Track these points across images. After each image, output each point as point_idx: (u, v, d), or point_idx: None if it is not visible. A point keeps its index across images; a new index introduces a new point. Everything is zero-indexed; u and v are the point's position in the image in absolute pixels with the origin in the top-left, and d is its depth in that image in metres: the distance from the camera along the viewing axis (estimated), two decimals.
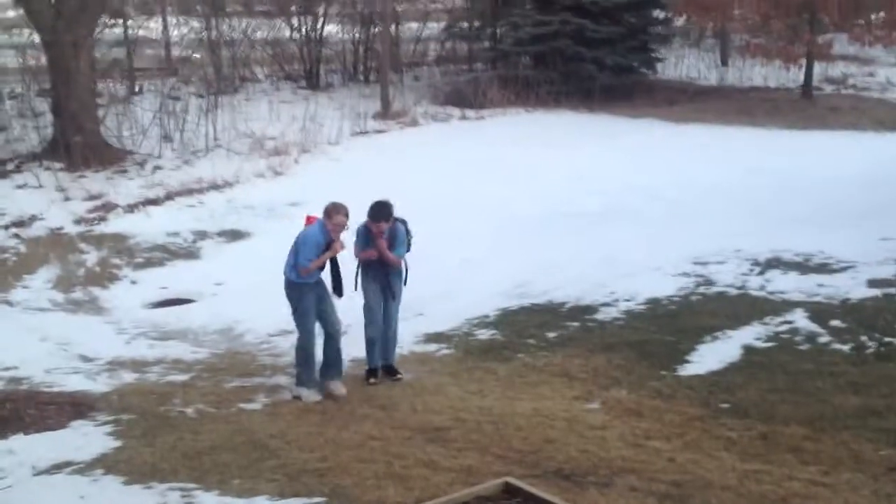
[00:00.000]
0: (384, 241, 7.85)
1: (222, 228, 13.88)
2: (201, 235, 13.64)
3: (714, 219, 12.65)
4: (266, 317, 10.28)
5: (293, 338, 9.67)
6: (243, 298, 11.27)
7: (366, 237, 7.91)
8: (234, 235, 13.74)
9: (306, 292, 7.67)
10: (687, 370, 7.80)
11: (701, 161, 16.18)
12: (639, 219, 13.06)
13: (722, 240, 11.03)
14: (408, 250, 8.14)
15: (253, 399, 7.69)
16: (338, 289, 7.84)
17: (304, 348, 7.77)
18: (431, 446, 6.45)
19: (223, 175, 15.58)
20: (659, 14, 25.04)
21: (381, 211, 7.84)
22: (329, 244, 7.60)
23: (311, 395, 7.65)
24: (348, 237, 7.89)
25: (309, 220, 7.82)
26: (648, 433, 6.61)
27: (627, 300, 9.63)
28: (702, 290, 9.58)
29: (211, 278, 12.21)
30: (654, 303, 9.45)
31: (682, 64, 26.59)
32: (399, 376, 8.08)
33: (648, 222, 12.84)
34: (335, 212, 7.62)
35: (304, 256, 7.52)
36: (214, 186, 15.27)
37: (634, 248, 11.51)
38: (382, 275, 8.00)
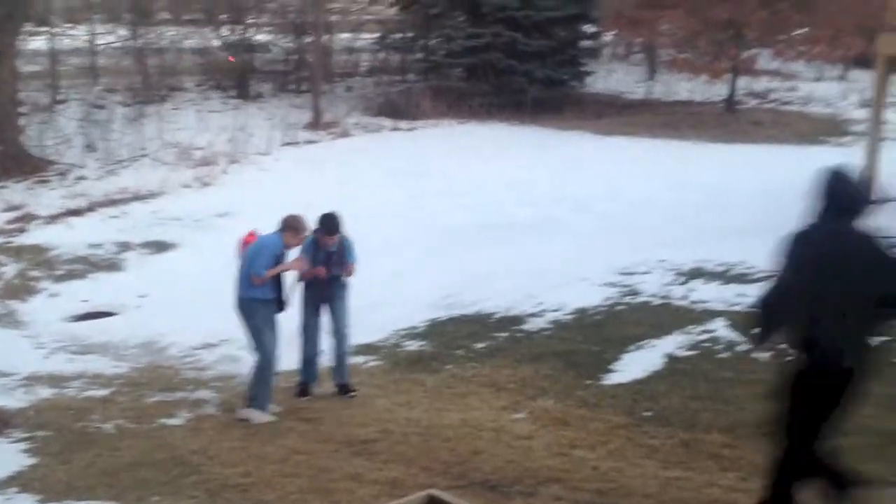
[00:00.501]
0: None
1: (147, 240, 13.63)
2: (125, 247, 13.37)
3: (640, 230, 12.85)
4: (190, 330, 10.12)
5: (220, 351, 9.57)
6: (167, 311, 11.07)
7: (315, 252, 7.58)
8: (159, 247, 13.50)
9: (260, 308, 7.22)
10: (612, 379, 7.88)
11: (628, 173, 16.44)
12: (567, 230, 13.20)
13: (647, 250, 11.19)
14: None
15: (175, 414, 7.53)
16: (281, 304, 7.45)
17: (264, 368, 7.28)
18: (357, 459, 6.40)
19: (148, 185, 15.33)
20: (588, 28, 25.42)
21: (334, 223, 7.59)
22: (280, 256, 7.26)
23: (262, 417, 7.26)
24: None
25: (250, 236, 7.47)
26: (574, 442, 6.65)
27: (555, 311, 9.69)
28: (627, 300, 9.70)
29: (134, 291, 11.97)
30: (580, 313, 9.53)
31: (611, 77, 27.05)
32: (353, 393, 7.80)
33: (577, 233, 12.99)
34: (302, 226, 7.31)
35: (260, 264, 7.09)
36: (139, 197, 15.01)
37: (563, 259, 11.62)
38: (322, 292, 7.71)
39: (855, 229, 4.65)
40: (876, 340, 4.73)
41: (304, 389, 7.88)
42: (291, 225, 7.30)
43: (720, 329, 8.45)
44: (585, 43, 25.45)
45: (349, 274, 7.80)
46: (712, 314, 8.84)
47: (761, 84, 25.92)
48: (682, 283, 9.86)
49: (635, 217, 13.63)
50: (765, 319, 4.84)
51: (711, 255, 10.63)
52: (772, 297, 4.81)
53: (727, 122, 21.85)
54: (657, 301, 9.51)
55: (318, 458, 6.43)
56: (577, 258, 11.59)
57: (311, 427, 7.18)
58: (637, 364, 8.02)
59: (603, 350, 8.47)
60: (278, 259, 7.23)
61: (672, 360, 8.02)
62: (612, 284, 10.13)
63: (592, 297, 9.86)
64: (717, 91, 24.23)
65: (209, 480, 6.00)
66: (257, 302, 7.20)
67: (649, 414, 7.04)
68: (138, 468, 6.23)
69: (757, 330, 4.89)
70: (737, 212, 13.39)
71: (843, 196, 4.73)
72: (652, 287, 9.89)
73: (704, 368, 7.75)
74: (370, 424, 7.15)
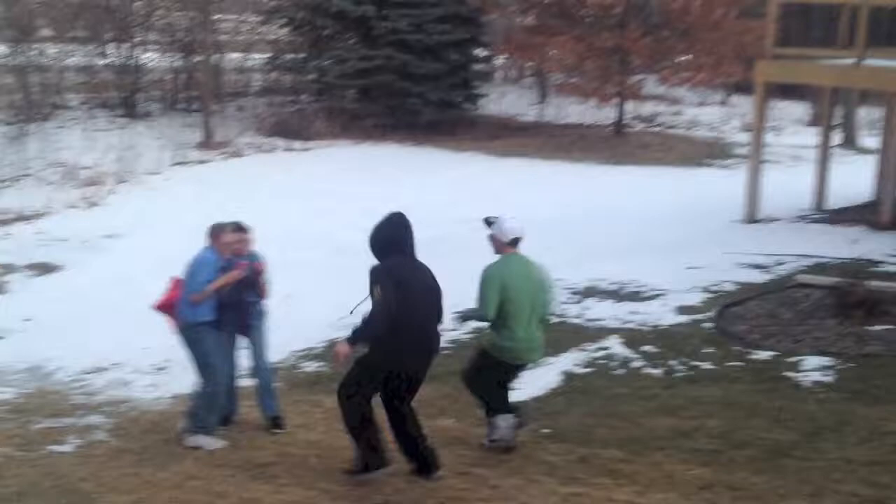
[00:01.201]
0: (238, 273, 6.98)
1: (31, 261, 13.13)
2: (8, 269, 12.85)
3: (533, 250, 12.92)
4: (79, 353, 9.78)
5: (110, 375, 9.28)
6: (54, 334, 10.67)
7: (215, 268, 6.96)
8: (45, 269, 13.02)
9: (206, 332, 6.87)
10: (511, 397, 7.96)
11: (521, 194, 16.71)
12: (462, 250, 13.22)
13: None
14: None
15: (63, 440, 7.25)
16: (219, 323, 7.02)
17: (213, 395, 6.94)
18: (254, 483, 6.29)
19: (33, 206, 14.82)
20: (480, 52, 25.78)
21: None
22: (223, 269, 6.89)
23: (213, 443, 6.96)
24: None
25: (174, 285, 7.04)
26: (474, 461, 6.69)
27: (453, 330, 9.75)
28: None
29: (19, 314, 11.50)
30: (479, 332, 9.60)
31: (504, 100, 27.46)
32: (282, 430, 7.33)
33: (472, 254, 13.01)
34: (220, 230, 6.96)
35: (199, 282, 6.74)
36: (22, 217, 14.49)
37: (459, 278, 11.65)
38: (237, 317, 7.18)
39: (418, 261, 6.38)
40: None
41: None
42: (213, 233, 6.98)
43: (614, 346, 8.67)
44: (478, 66, 25.80)
45: (263, 296, 7.43)
46: (607, 331, 9.07)
47: (648, 108, 26.78)
48: (577, 302, 10.07)
49: (529, 236, 13.70)
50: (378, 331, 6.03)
51: (603, 273, 10.91)
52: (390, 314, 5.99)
53: (616, 144, 22.47)
54: (554, 319, 9.63)
55: (215, 483, 6.29)
56: (472, 278, 11.67)
57: (206, 452, 7.01)
58: (536, 382, 8.14)
59: None
60: (221, 271, 6.89)
61: (569, 377, 8.18)
62: None
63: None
64: (606, 115, 24.88)
65: None
66: (203, 325, 6.85)
67: (548, 431, 7.15)
68: (26, 499, 5.99)
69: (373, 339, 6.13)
70: (626, 231, 13.78)
71: (407, 237, 6.35)
72: None
73: (600, 385, 7.93)
74: (268, 447, 7.04)
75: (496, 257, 6.69)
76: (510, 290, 6.45)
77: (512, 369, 6.67)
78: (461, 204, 15.95)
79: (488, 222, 6.66)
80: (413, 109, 22.51)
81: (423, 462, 6.26)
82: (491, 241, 6.65)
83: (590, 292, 10.32)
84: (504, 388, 6.76)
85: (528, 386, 8.09)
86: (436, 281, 6.33)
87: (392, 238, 6.30)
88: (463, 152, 21.04)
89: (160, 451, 7.00)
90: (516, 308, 6.46)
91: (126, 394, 8.43)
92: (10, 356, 10.22)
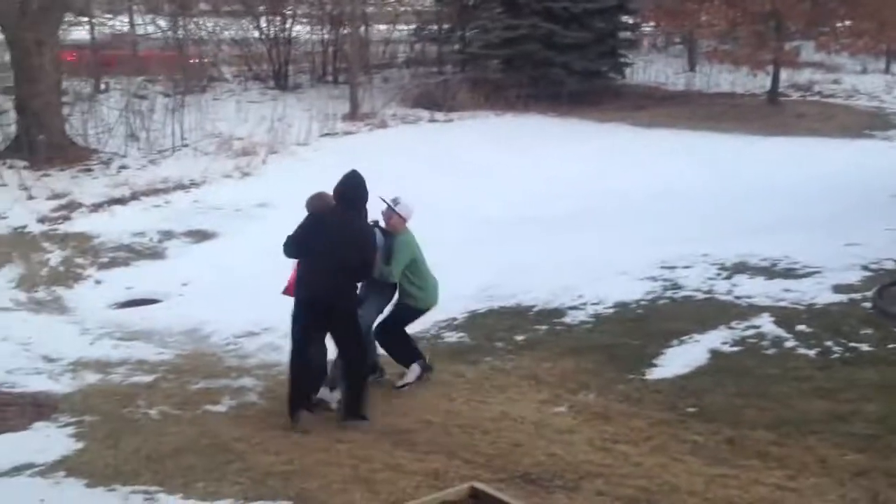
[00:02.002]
0: None
1: (189, 228, 13.75)
2: (167, 235, 13.50)
3: (681, 223, 12.74)
4: (232, 318, 10.19)
5: (262, 339, 9.63)
6: (209, 299, 11.16)
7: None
8: (201, 236, 13.61)
9: None
10: (654, 374, 7.82)
11: (669, 165, 16.31)
12: (607, 222, 13.12)
13: (689, 244, 11.08)
14: None
15: (218, 401, 7.59)
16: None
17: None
18: (398, 450, 6.41)
19: (190, 175, 15.45)
20: (628, 20, 25.21)
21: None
22: None
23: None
24: None
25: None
26: (616, 437, 6.61)
27: (595, 304, 9.63)
28: (669, 294, 9.61)
29: (177, 279, 12.08)
30: (622, 306, 9.47)
31: (651, 69, 26.81)
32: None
33: (616, 226, 12.90)
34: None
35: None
36: (181, 186, 15.14)
37: (602, 251, 11.55)
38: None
39: (351, 216, 6.95)
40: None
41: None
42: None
43: (766, 325, 8.35)
44: (624, 34, 25.25)
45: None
46: (757, 309, 8.74)
47: (804, 76, 25.60)
48: (726, 278, 9.75)
49: (676, 210, 13.53)
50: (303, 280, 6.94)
51: (755, 249, 10.50)
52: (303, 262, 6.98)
53: (769, 114, 21.58)
54: (700, 296, 9.41)
55: (359, 447, 6.45)
56: (616, 251, 11.50)
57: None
58: (680, 359, 7.95)
59: (645, 344, 8.40)
60: None
61: (716, 355, 7.94)
62: (654, 278, 10.05)
63: (633, 290, 9.78)
64: (759, 83, 23.95)
65: (252, 468, 6.04)
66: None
67: (693, 410, 6.98)
68: (183, 454, 6.29)
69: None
70: (779, 206, 13.24)
71: (352, 193, 6.97)
72: (695, 281, 9.79)
73: (749, 365, 7.66)
74: (410, 415, 7.16)
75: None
76: (418, 253, 7.73)
77: (421, 314, 7.99)
78: (606, 176, 15.71)
79: (395, 202, 7.55)
80: (557, 79, 22.25)
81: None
82: (390, 218, 7.54)
83: (740, 268, 9.96)
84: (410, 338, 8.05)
85: (673, 363, 7.93)
86: (356, 241, 6.92)
87: (340, 192, 7.03)
88: (607, 123, 20.67)
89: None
90: (424, 266, 7.81)
91: (276, 358, 8.71)
92: (169, 319, 10.76)
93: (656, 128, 19.99)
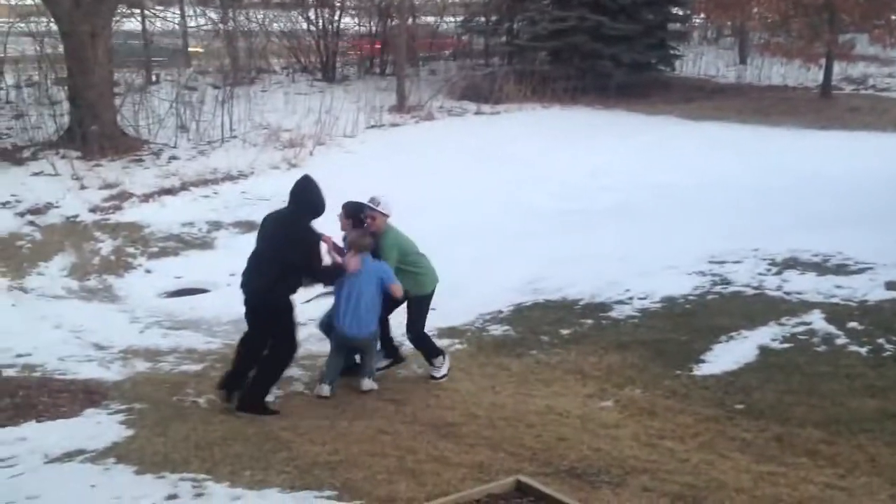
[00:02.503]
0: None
1: (237, 219, 13.87)
2: (216, 226, 13.64)
3: (731, 218, 12.57)
4: None
5: (305, 331, 9.62)
6: None
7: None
8: (249, 226, 13.69)
9: None
10: (702, 370, 7.74)
11: (718, 159, 16.10)
12: (654, 216, 13.00)
13: (738, 239, 10.95)
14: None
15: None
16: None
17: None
18: (443, 442, 6.41)
19: (238, 166, 15.59)
20: (678, 11, 24.94)
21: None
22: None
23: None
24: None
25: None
26: (662, 433, 6.56)
27: (642, 298, 9.56)
28: (718, 289, 9.51)
29: (225, 269, 12.14)
30: (669, 301, 9.38)
31: (701, 61, 26.51)
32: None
33: (664, 220, 12.77)
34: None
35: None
36: (229, 177, 15.28)
37: (649, 245, 11.45)
38: None
39: (291, 217, 7.04)
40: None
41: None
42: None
43: (817, 321, 8.22)
44: (674, 26, 24.98)
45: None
46: (808, 306, 8.61)
47: (858, 70, 25.11)
48: (776, 274, 9.61)
49: (725, 204, 13.35)
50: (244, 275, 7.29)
51: (806, 244, 10.35)
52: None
53: (822, 108, 21.21)
54: (750, 291, 9.29)
55: (404, 439, 6.46)
56: (664, 245, 11.40)
57: (397, 408, 7.23)
58: (728, 355, 7.87)
59: (692, 340, 8.32)
60: None
61: (765, 352, 7.84)
62: (702, 273, 9.95)
63: (681, 285, 9.69)
64: (811, 76, 23.55)
65: (298, 457, 6.08)
66: None
67: (741, 407, 6.91)
68: (231, 443, 6.34)
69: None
70: (831, 200, 13.01)
71: (300, 196, 7.04)
72: (744, 277, 9.67)
73: (799, 362, 7.55)
74: (455, 408, 7.17)
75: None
76: (408, 245, 7.82)
77: (430, 299, 8.00)
78: (653, 168, 15.56)
79: (374, 202, 7.60)
80: (605, 71, 22.09)
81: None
82: (374, 220, 7.57)
83: (790, 264, 9.81)
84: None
85: (721, 359, 7.85)
86: (283, 238, 7.01)
87: (291, 192, 7.14)
88: (656, 115, 20.47)
89: (353, 404, 7.27)
90: (415, 254, 7.87)
91: (322, 349, 8.76)
92: (217, 309, 10.86)
93: (705, 121, 19.75)
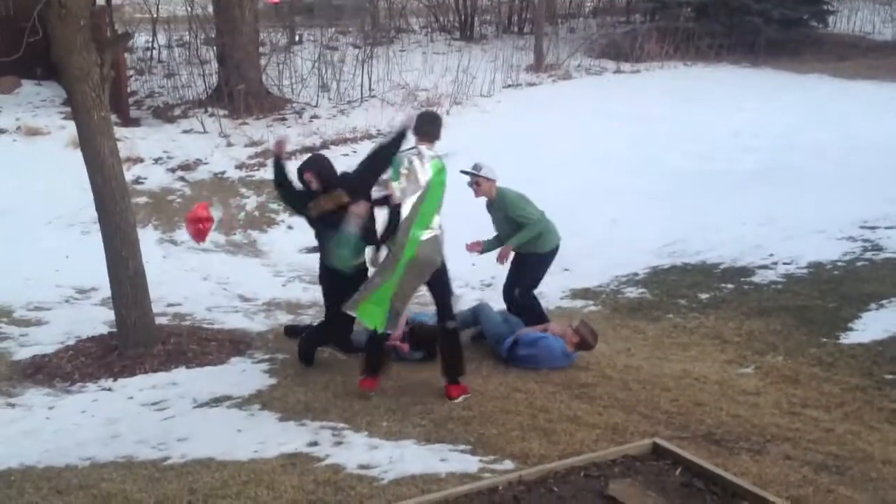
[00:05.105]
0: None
1: None
2: None
3: (884, 181, 11.93)
4: None
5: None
6: None
7: None
8: (385, 185, 13.90)
9: None
10: (849, 338, 7.44)
11: (871, 120, 15.27)
12: (801, 179, 12.48)
13: (892, 204, 10.41)
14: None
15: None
16: None
17: None
18: (576, 402, 6.39)
19: (377, 125, 15.79)
20: None
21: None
22: None
23: None
24: None
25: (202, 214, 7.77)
26: (805, 401, 6.35)
27: (787, 263, 9.24)
28: (868, 255, 9.09)
29: None
30: (816, 267, 9.03)
31: (856, 17, 25.08)
32: None
33: (812, 183, 12.25)
34: None
35: None
36: (368, 136, 15.50)
37: (796, 209, 11.03)
38: None
39: None
40: None
41: None
42: None
43: None
44: None
45: None
46: None
47: None
48: None
49: (880, 168, 12.67)
50: None
51: None
52: None
53: None
54: None
55: (538, 397, 6.48)
56: (811, 209, 10.96)
57: (530, 366, 7.23)
58: (878, 323, 7.53)
59: (840, 307, 8.00)
60: None
61: None
62: (853, 238, 9.53)
63: (829, 250, 9.31)
64: None
65: (434, 411, 6.19)
66: None
67: (891, 377, 6.61)
68: (369, 394, 6.51)
69: None
70: None
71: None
72: None
73: None
74: (589, 369, 7.13)
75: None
76: (528, 199, 7.64)
77: (553, 256, 7.75)
78: (802, 129, 14.90)
79: (477, 168, 7.49)
80: (753, 28, 21.19)
81: None
82: (481, 185, 7.48)
83: None
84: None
85: (870, 328, 7.52)
86: None
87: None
88: (806, 74, 19.55)
89: (486, 362, 7.32)
90: (536, 208, 7.62)
91: (458, 307, 8.85)
92: None
93: (860, 80, 18.73)
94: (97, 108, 7.13)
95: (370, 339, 6.55)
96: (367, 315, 6.19)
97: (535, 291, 7.89)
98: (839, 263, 9.04)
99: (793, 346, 7.41)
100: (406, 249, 6.17)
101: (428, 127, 6.65)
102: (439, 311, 6.61)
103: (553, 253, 7.71)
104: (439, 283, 6.52)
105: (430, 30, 23.22)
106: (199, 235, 7.82)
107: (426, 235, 6.26)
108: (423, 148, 6.55)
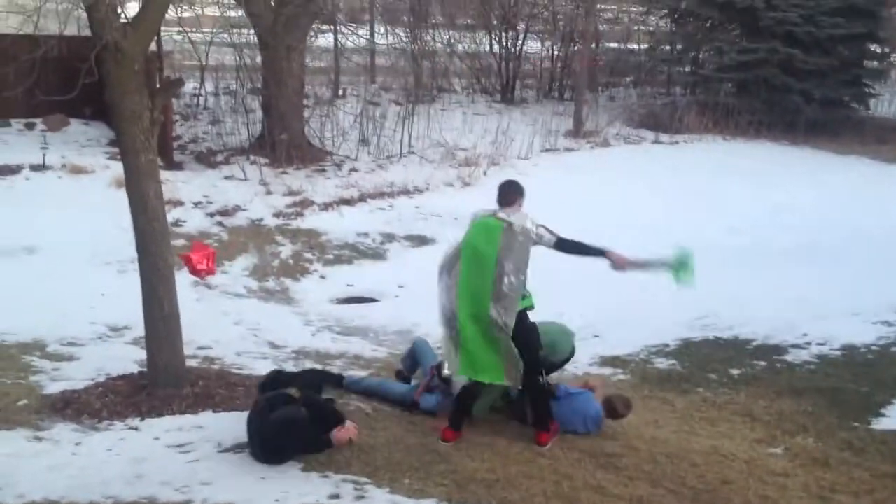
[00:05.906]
0: None
1: (409, 233, 14.19)
2: (389, 238, 13.99)
3: None
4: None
5: None
6: (423, 303, 11.38)
7: None
8: (420, 241, 14.00)
9: None
10: (882, 424, 7.33)
11: None
12: (838, 260, 12.39)
13: None
14: None
15: None
16: None
17: None
18: (601, 472, 6.34)
19: (414, 181, 15.95)
20: (876, 48, 23.74)
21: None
22: None
23: None
24: None
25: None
26: (834, 486, 6.25)
27: (821, 344, 9.15)
28: None
29: (394, 280, 12.49)
30: (850, 349, 8.93)
31: None
32: None
33: (848, 264, 12.16)
34: None
35: None
36: (405, 192, 15.66)
37: (831, 290, 10.94)
38: None
39: None
40: None
41: None
42: None
43: None
44: (871, 64, 23.78)
45: None
46: None
47: None
48: None
49: None
50: None
51: None
52: None
53: None
54: None
55: (562, 464, 6.43)
56: (846, 290, 10.87)
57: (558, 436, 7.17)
58: None
59: (873, 392, 7.90)
60: None
61: None
62: (888, 323, 9.43)
63: (865, 333, 9.21)
64: None
65: (457, 471, 6.16)
66: None
67: None
68: (392, 450, 6.49)
69: None
70: None
71: None
72: None
73: None
74: (616, 438, 7.06)
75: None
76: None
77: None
78: (840, 209, 14.85)
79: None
80: (794, 107, 21.26)
81: None
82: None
83: None
84: None
85: None
86: None
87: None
88: (845, 156, 19.54)
89: (510, 426, 7.25)
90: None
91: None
92: (385, 318, 11.15)
93: None
94: (145, 151, 7.28)
95: (464, 389, 6.88)
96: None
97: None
98: (874, 347, 8.94)
99: (823, 429, 7.31)
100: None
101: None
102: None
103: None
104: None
105: (471, 91, 23.52)
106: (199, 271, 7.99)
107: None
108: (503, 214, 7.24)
